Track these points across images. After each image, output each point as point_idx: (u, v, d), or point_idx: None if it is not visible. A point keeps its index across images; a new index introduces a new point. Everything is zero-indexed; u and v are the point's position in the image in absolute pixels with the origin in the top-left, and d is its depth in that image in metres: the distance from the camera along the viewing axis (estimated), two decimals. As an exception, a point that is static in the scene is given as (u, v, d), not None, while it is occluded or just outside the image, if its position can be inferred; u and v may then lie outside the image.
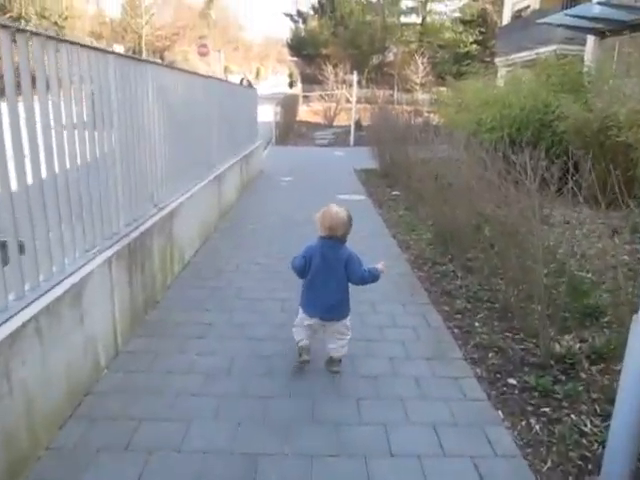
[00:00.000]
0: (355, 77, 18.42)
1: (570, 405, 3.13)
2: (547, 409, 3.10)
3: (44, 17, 34.27)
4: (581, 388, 3.27)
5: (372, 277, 3.48)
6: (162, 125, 4.95)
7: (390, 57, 56.18)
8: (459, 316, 4.40)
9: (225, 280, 5.07)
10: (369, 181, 11.26)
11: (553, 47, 19.05)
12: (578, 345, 3.78)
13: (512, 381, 3.40)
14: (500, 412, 3.09)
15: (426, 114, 17.70)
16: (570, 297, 4.16)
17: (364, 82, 35.93)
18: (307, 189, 10.31)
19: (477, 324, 4.23)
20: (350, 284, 3.49)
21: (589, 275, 4.73)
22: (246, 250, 6.08)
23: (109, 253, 3.45)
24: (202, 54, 25.18)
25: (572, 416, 3.03)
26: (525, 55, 19.49)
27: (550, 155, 5.98)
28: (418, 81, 33.45)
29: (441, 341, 3.94)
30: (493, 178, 4.47)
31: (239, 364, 3.53)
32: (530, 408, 3.12)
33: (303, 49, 56.65)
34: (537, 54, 17.73)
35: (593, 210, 5.65)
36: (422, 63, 33.80)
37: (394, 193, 9.83)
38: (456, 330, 4.14)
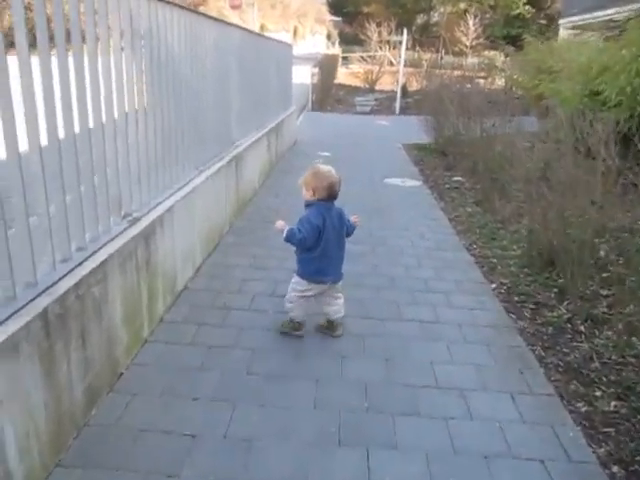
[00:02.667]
0: (405, 36, 16.20)
1: None
2: None
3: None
4: None
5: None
6: (143, 87, 3.22)
7: (435, 18, 52.79)
8: (610, 430, 2.61)
9: (231, 329, 3.36)
10: (423, 161, 9.35)
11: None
12: None
13: None
14: None
15: (480, 80, 15.44)
16: None
17: (409, 44, 33.28)
18: (348, 169, 8.43)
19: (650, 454, 2.45)
20: None
21: None
22: (267, 268, 4.35)
23: (-16, 348, 1.77)
24: (234, 7, 23.04)
25: None
26: (602, 15, 16.86)
27: None
28: (468, 44, 30.63)
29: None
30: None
31: None
32: None
33: (343, 7, 53.72)
34: (618, 13, 15.22)
35: None
36: (473, 24, 30.91)
37: (456, 179, 7.93)
38: (617, 470, 2.37)
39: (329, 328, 3.38)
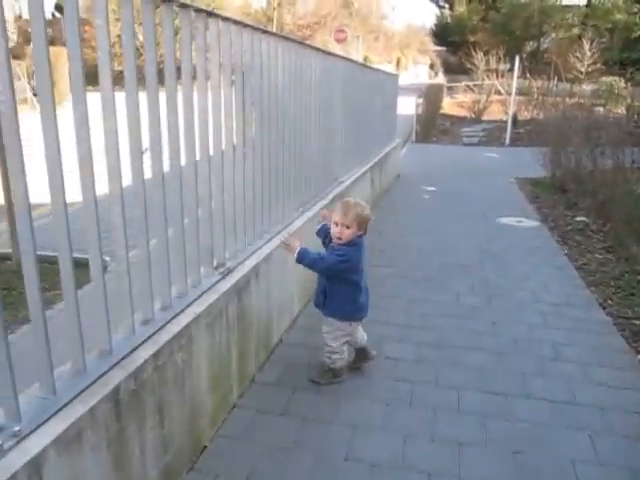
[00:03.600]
0: (517, 63, 15.36)
1: None
2: None
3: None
4: None
5: None
6: (242, 123, 2.96)
7: (545, 44, 50.69)
8: None
9: (328, 397, 2.95)
10: (539, 198, 8.54)
11: None
12: None
13: None
14: None
15: (599, 108, 14.24)
16: None
17: (518, 71, 31.94)
18: (456, 206, 7.91)
19: None
20: None
21: None
22: (371, 321, 3.90)
23: (31, 451, 1.46)
24: (339, 40, 23.25)
25: None
26: None
27: None
28: (583, 70, 28.87)
29: None
30: None
31: None
32: None
33: (448, 36, 53.10)
34: None
35: None
36: (590, 49, 29.16)
37: (579, 219, 7.11)
38: None
39: (363, 357, 3.20)
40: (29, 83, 19.54)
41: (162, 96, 2.11)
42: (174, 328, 2.17)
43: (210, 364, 2.50)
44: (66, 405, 1.63)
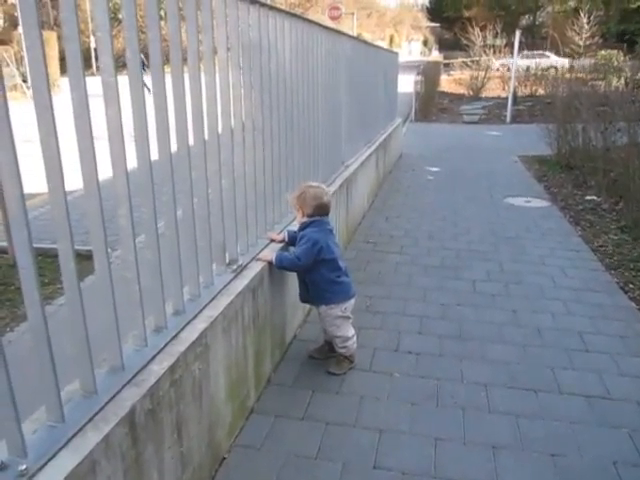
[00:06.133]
0: (517, 38, 14.97)
1: None
2: None
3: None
4: None
5: None
6: (252, 108, 2.75)
7: (542, 18, 50.01)
8: None
9: (350, 398, 2.78)
10: (546, 176, 8.34)
11: None
12: None
13: None
14: None
15: (598, 82, 13.97)
16: None
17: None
18: (462, 187, 7.70)
19: None
20: None
21: None
22: (386, 313, 3.74)
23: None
24: (334, 18, 22.74)
25: None
26: None
27: None
28: (582, 44, 28.41)
29: None
30: None
31: None
32: None
33: (443, 12, 52.43)
34: None
35: None
36: (588, 22, 28.69)
37: (589, 198, 6.93)
38: None
39: (328, 350, 3.10)
40: (18, 69, 19.03)
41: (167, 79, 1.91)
42: (189, 336, 1.99)
43: (227, 370, 2.32)
44: (77, 433, 1.45)
